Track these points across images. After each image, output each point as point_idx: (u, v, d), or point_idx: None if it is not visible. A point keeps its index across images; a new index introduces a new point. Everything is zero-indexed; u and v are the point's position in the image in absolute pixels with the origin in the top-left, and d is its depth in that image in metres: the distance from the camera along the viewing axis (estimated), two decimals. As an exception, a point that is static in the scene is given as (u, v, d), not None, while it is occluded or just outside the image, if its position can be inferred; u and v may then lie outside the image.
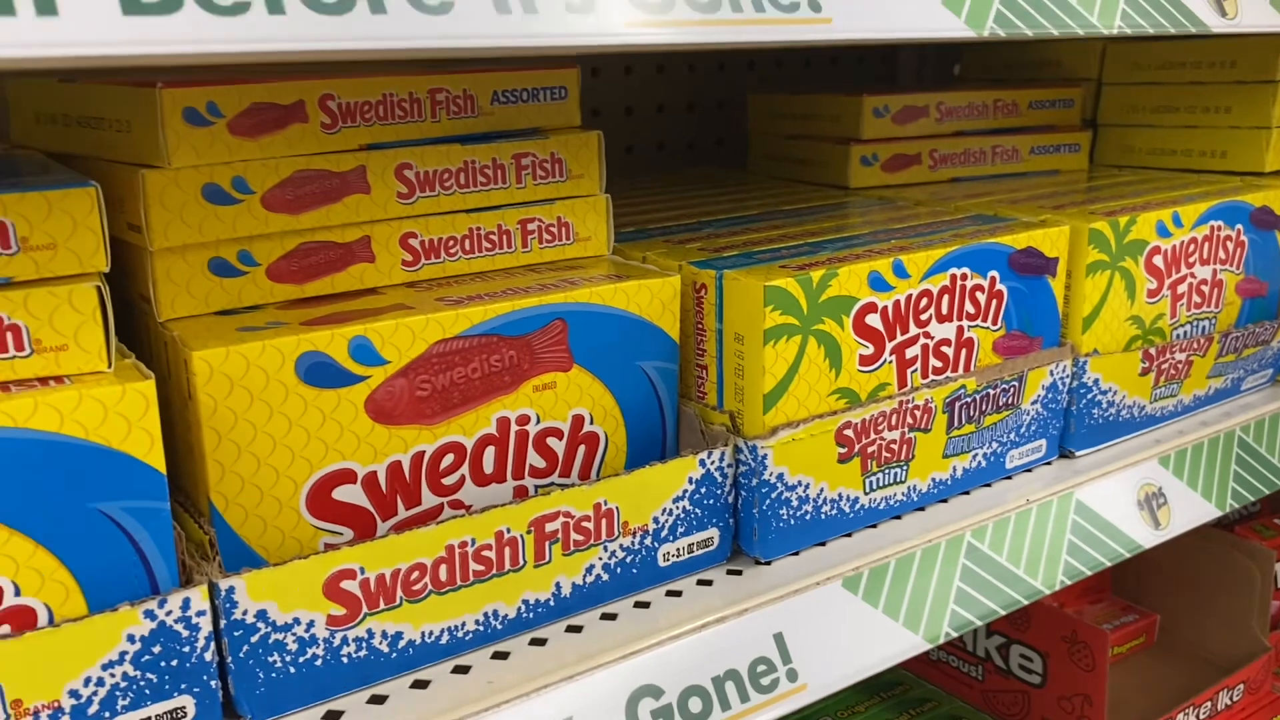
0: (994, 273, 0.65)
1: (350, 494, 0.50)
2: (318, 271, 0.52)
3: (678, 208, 0.77)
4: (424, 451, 0.51)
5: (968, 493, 0.67)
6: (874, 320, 0.60)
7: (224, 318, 0.49)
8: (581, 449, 0.56)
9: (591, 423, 0.56)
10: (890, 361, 0.61)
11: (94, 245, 0.42)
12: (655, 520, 0.55)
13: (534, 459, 0.55)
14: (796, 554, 0.59)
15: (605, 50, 0.41)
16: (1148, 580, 1.03)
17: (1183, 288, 0.77)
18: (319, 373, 0.47)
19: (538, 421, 0.54)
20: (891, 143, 0.84)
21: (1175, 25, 0.61)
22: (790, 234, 0.67)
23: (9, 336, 0.40)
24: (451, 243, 0.56)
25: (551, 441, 0.55)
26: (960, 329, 0.64)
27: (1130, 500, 0.72)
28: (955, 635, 0.61)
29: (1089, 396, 0.71)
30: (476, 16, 0.38)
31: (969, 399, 0.64)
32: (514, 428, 0.54)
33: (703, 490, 0.56)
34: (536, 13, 0.39)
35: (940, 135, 0.87)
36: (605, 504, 0.53)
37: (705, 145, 1.07)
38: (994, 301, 0.65)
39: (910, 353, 0.62)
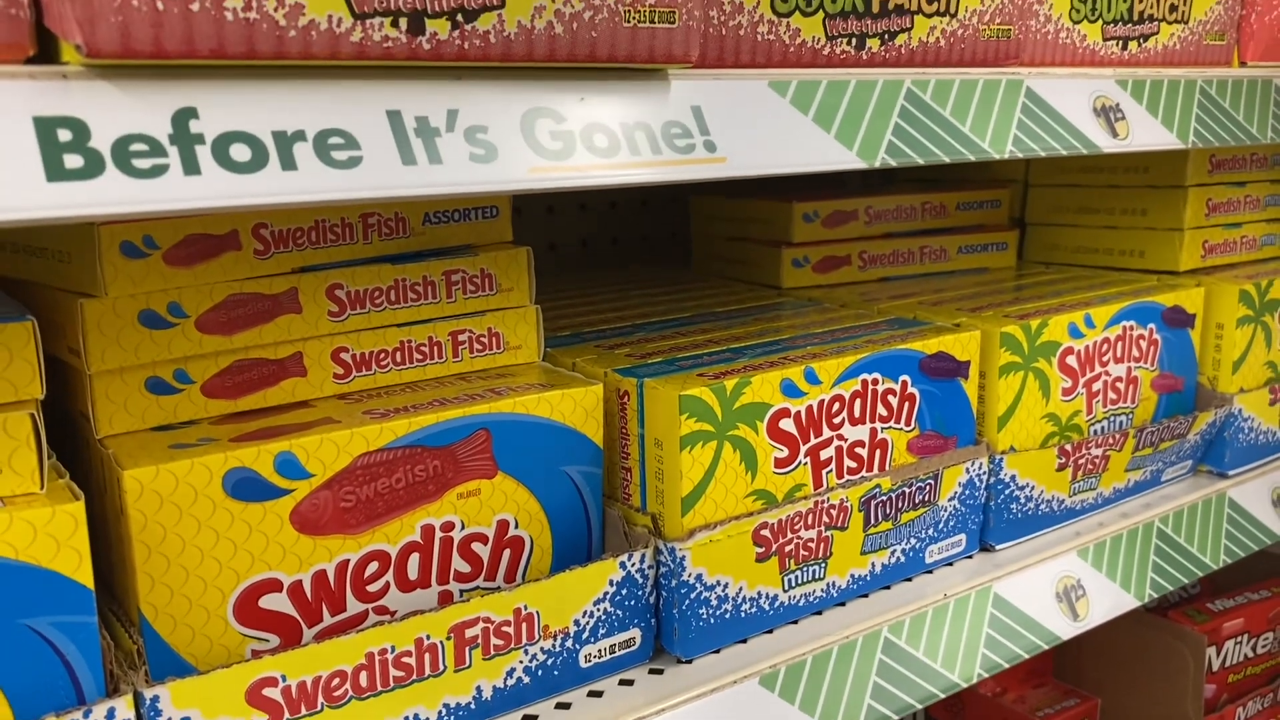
0: (905, 376, 0.68)
1: (276, 602, 0.52)
2: (250, 387, 0.55)
3: (616, 309, 0.80)
4: (349, 560, 0.54)
5: (888, 587, 0.70)
6: (788, 425, 0.63)
7: (158, 434, 0.52)
8: (507, 553, 0.59)
9: (516, 527, 0.59)
10: (805, 463, 0.64)
11: (30, 375, 0.44)
12: (576, 623, 0.57)
13: (459, 564, 0.57)
14: (718, 651, 0.62)
15: (508, 192, 0.45)
16: (1088, 663, 1.05)
17: (1098, 385, 0.80)
18: (246, 487, 0.50)
19: (462, 528, 0.57)
20: (822, 245, 0.88)
21: (1067, 148, 0.65)
22: (717, 339, 0.70)
23: (-56, 463, 0.43)
24: (383, 355, 0.59)
25: (476, 546, 0.58)
26: (874, 431, 0.67)
27: (1049, 593, 0.74)
28: (872, 729, 0.64)
29: (1007, 492, 0.74)
30: (384, 169, 0.41)
31: (884, 497, 0.67)
32: (438, 534, 0.56)
33: (624, 592, 0.58)
34: (442, 163, 0.43)
35: (870, 237, 0.91)
36: (526, 608, 0.55)
37: (659, 238, 1.11)
38: (906, 404, 0.69)
39: (825, 454, 0.65)
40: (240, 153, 0.39)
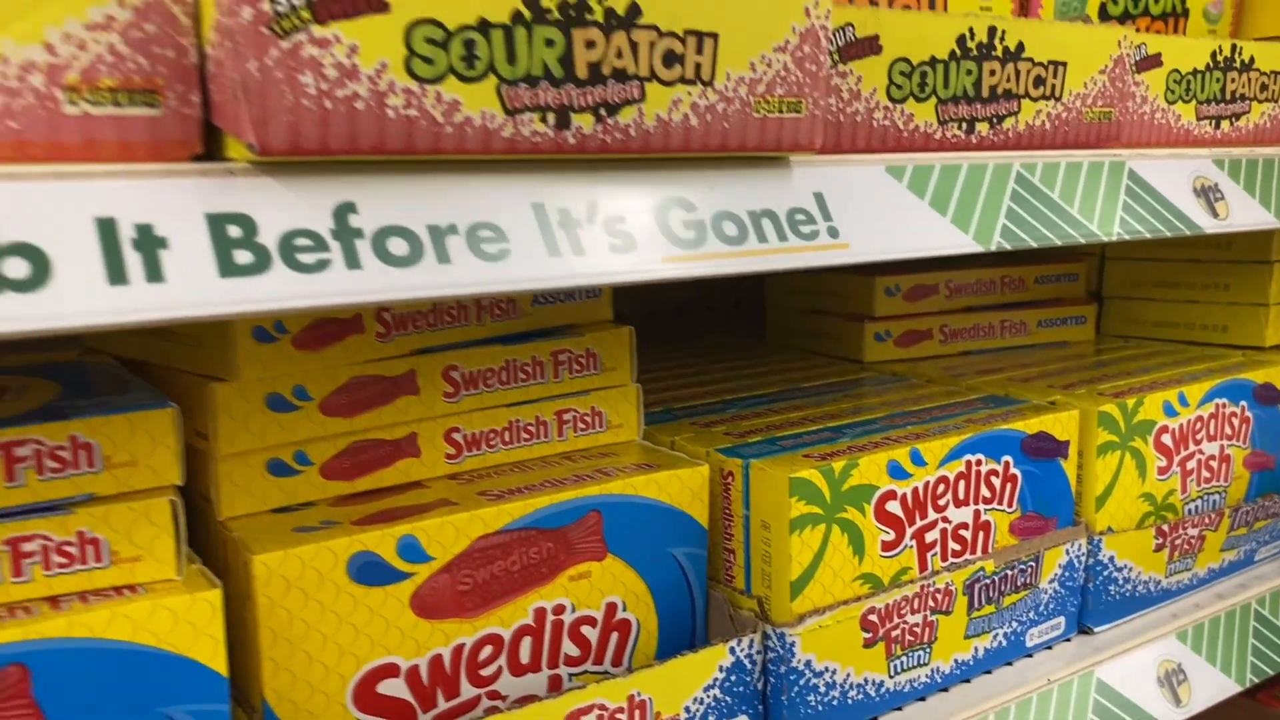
0: (1008, 457, 0.67)
1: (394, 688, 0.52)
2: (367, 468, 0.55)
3: (702, 383, 0.80)
4: (464, 644, 0.53)
5: (990, 672, 0.68)
6: (894, 507, 0.62)
7: (279, 516, 0.52)
8: (615, 636, 0.58)
9: (624, 610, 0.58)
10: (911, 546, 0.63)
11: (170, 461, 0.45)
12: (687, 710, 0.56)
13: (569, 647, 0.57)
14: (823, 738, 0.60)
15: (643, 282, 0.45)
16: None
17: (1192, 464, 0.79)
18: (369, 571, 0.50)
19: (573, 610, 0.56)
20: (904, 319, 0.88)
21: (1171, 229, 0.65)
22: (811, 415, 0.70)
23: (89, 550, 0.43)
24: (492, 435, 0.59)
25: (586, 630, 0.57)
26: (977, 512, 0.66)
27: (1151, 677, 0.72)
28: (982, 821, 0.62)
29: (1105, 574, 0.73)
30: (531, 261, 0.42)
31: (988, 580, 0.66)
32: (550, 617, 0.56)
33: (733, 678, 0.58)
34: (584, 254, 0.43)
35: (951, 311, 0.90)
36: (639, 695, 0.54)
37: (723, 307, 1.12)
38: (1009, 485, 0.68)
39: (930, 537, 0.64)
40: (398, 247, 0.39)
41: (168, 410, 0.44)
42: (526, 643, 0.55)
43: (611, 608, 0.58)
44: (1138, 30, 0.76)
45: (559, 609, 0.56)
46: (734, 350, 0.95)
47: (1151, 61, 0.68)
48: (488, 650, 0.54)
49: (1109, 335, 1.00)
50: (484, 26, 0.39)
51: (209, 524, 0.52)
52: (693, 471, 0.59)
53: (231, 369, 0.49)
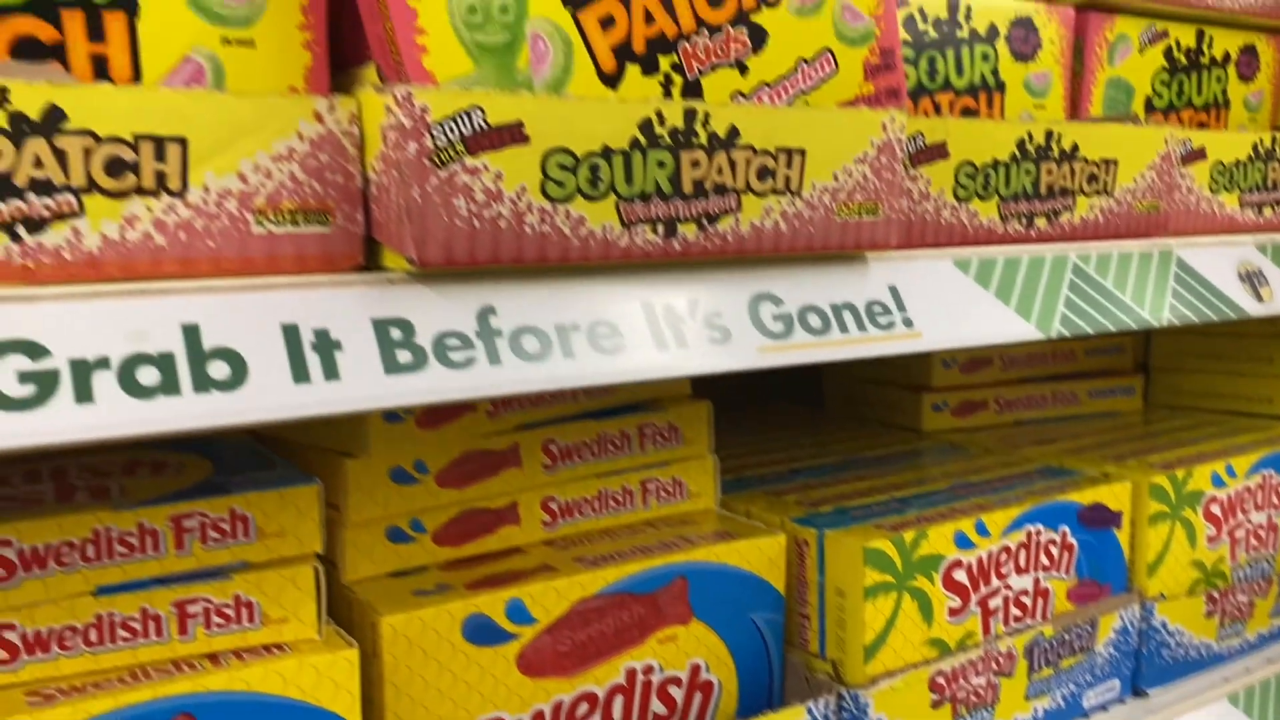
0: (1065, 527, 0.71)
1: (501, 740, 0.56)
2: (473, 535, 0.60)
3: (769, 452, 0.85)
4: (562, 702, 0.57)
5: (1049, 733, 0.71)
6: (960, 575, 0.66)
7: (397, 579, 0.57)
8: (698, 696, 0.62)
9: (707, 671, 0.62)
10: (976, 612, 0.67)
11: (313, 531, 0.50)
12: (767, 764, 0.60)
13: (657, 706, 0.61)
14: (893, 795, 0.64)
15: (739, 371, 0.50)
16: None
17: (1240, 533, 0.82)
18: (481, 632, 0.55)
19: (660, 671, 0.61)
20: (960, 390, 0.92)
21: (1218, 314, 0.69)
22: (877, 486, 0.74)
23: (244, 612, 0.48)
24: (584, 503, 0.64)
25: (672, 689, 0.61)
26: (1037, 580, 0.70)
27: (1205, 740, 0.75)
28: None
29: (1158, 638, 0.76)
30: (642, 354, 0.47)
31: (1047, 644, 0.70)
32: (640, 678, 0.60)
33: (809, 735, 0.61)
34: (687, 347, 0.48)
35: (1005, 382, 0.95)
36: (724, 750, 0.58)
37: (776, 372, 1.16)
38: (1066, 553, 0.72)
39: (993, 603, 0.68)
40: (530, 344, 0.44)
41: (313, 486, 0.50)
42: (619, 701, 0.59)
43: (696, 669, 0.62)
44: (1182, 122, 0.81)
45: (648, 669, 0.60)
46: (795, 417, 0.99)
47: (1196, 155, 0.73)
48: (584, 707, 0.58)
49: (1157, 405, 1.03)
50: (606, 153, 0.45)
51: (333, 586, 0.57)
52: (771, 540, 0.64)
53: (363, 446, 0.55)
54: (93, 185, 0.38)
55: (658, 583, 0.60)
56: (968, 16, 0.69)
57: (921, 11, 0.67)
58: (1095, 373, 1.00)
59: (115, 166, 0.38)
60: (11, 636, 0.44)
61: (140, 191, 0.39)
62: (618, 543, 0.63)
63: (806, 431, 0.93)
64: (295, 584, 0.49)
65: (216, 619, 0.47)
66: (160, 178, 0.39)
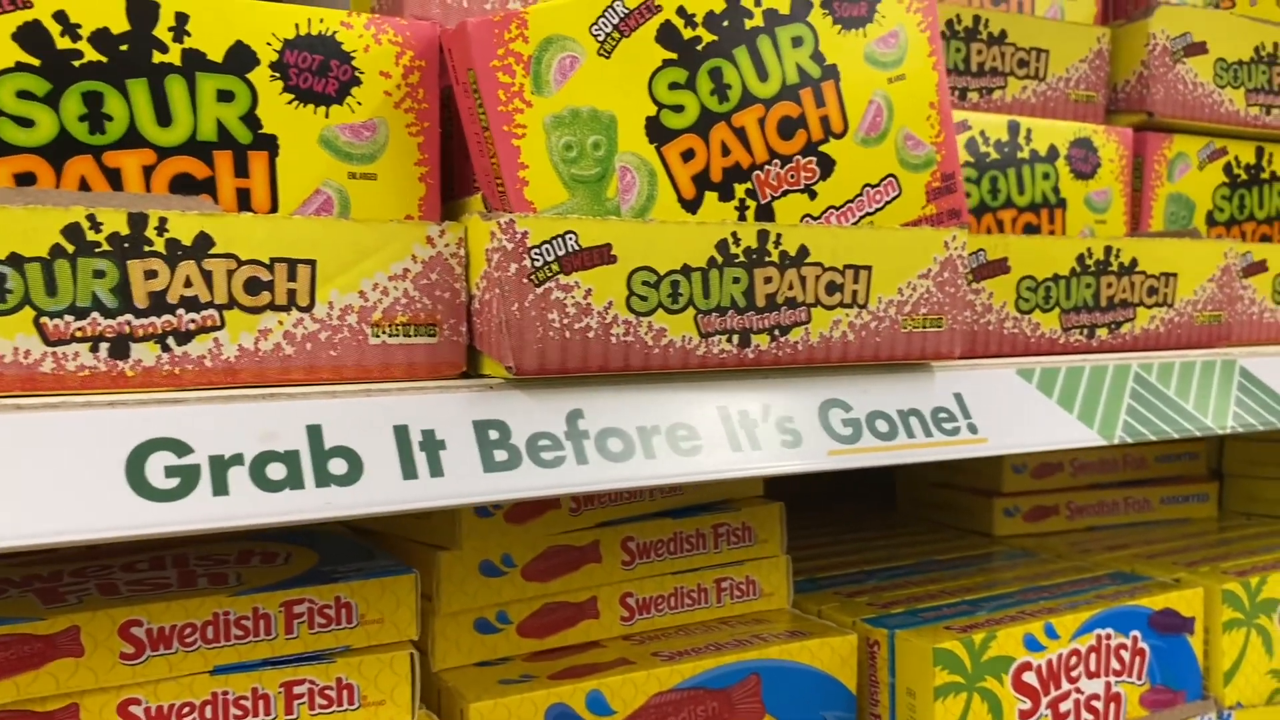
0: (1136, 632, 0.72)
1: (579, 828, 0.58)
2: (555, 628, 0.63)
3: (840, 554, 0.87)
4: (640, 791, 0.59)
5: (1127, 844, 0.71)
6: (1030, 678, 0.67)
7: (483, 669, 0.60)
8: (771, 791, 0.64)
9: (780, 767, 0.64)
10: (1046, 715, 0.68)
11: (409, 619, 0.53)
12: None
13: (730, 799, 0.62)
14: None
15: (805, 472, 0.53)
16: None
17: (1321, 643, 0.81)
18: (562, 721, 0.57)
19: (734, 765, 0.62)
20: (1031, 495, 0.94)
21: (1283, 421, 0.70)
22: (948, 589, 0.75)
23: (345, 693, 0.51)
24: (660, 600, 0.67)
25: (745, 783, 0.63)
26: (1108, 685, 0.70)
27: None
28: None
29: (1239, 750, 0.75)
30: (718, 454, 0.50)
31: (1122, 751, 0.70)
32: (715, 771, 0.62)
33: (881, 835, 0.62)
34: (760, 449, 0.51)
35: (1076, 488, 0.96)
36: (796, 846, 0.60)
37: (851, 475, 1.18)
38: (1138, 658, 0.72)
39: (1064, 707, 0.68)
40: (615, 445, 0.48)
41: (410, 576, 0.53)
42: (693, 794, 0.61)
43: (768, 764, 0.64)
44: (1245, 235, 0.83)
45: (722, 763, 0.62)
46: (865, 520, 1.01)
47: (1258, 267, 0.75)
48: (660, 799, 0.60)
49: (1232, 512, 1.03)
50: (686, 270, 0.49)
51: (423, 673, 0.60)
52: (843, 640, 0.66)
53: (456, 540, 0.58)
54: (233, 302, 0.43)
55: (732, 679, 0.62)
56: (1028, 138, 0.73)
57: (984, 134, 0.71)
58: (1168, 479, 1.01)
59: (253, 285, 0.43)
60: (137, 711, 0.48)
61: (273, 307, 0.44)
62: (693, 639, 0.65)
63: (878, 534, 0.94)
64: (393, 668, 0.52)
65: (320, 699, 0.51)
66: (291, 295, 0.44)
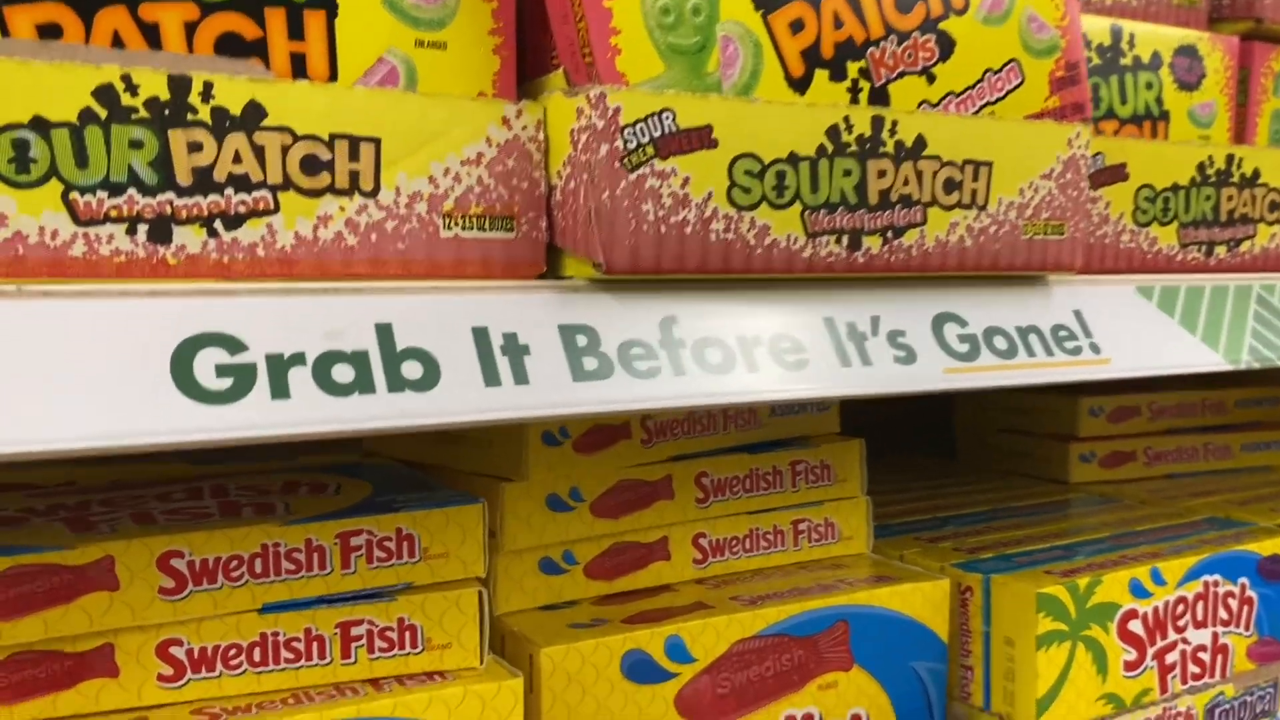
0: (1244, 579, 0.66)
1: (657, 786, 0.53)
2: (625, 569, 0.58)
3: (909, 501, 0.81)
4: (721, 746, 0.54)
5: (1232, 805, 0.66)
6: (1136, 626, 0.62)
7: (550, 613, 0.55)
8: (858, 747, 0.59)
9: (868, 721, 0.59)
10: (1152, 667, 0.62)
11: (477, 554, 0.48)
12: (937, 824, 0.56)
13: (814, 756, 0.57)
14: None
15: (924, 393, 0.47)
16: None
17: None
18: (639, 669, 0.52)
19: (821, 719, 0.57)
20: (1109, 440, 0.88)
21: None
22: (1033, 534, 0.70)
23: (407, 635, 0.46)
24: (735, 542, 0.62)
25: (831, 739, 0.58)
26: (1215, 635, 0.65)
27: (1404, 821, 0.69)
28: None
29: (1347, 706, 0.70)
30: (825, 371, 0.44)
31: (1228, 705, 0.65)
32: (799, 724, 0.57)
33: (979, 795, 0.57)
34: (871, 365, 0.46)
35: (1154, 433, 0.90)
36: (892, 806, 0.55)
37: (896, 421, 1.12)
38: (1245, 608, 0.67)
39: (1170, 658, 0.63)
40: (714, 356, 0.42)
41: (478, 506, 0.48)
42: (777, 749, 0.56)
43: (856, 719, 0.58)
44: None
45: (808, 718, 0.57)
46: (926, 470, 0.95)
47: (1377, 186, 0.69)
48: (742, 754, 0.55)
49: (1316, 461, 0.97)
50: (793, 159, 0.43)
51: (482, 619, 0.55)
52: (934, 585, 0.60)
53: (522, 470, 0.53)
54: (289, 183, 0.37)
55: (819, 626, 0.57)
56: (1131, 44, 0.67)
57: (1085, 38, 0.65)
58: (1249, 425, 0.95)
59: (311, 164, 0.38)
60: (178, 653, 0.43)
61: (334, 191, 0.38)
62: (771, 583, 0.60)
63: (945, 483, 0.89)
64: (459, 608, 0.47)
65: (380, 642, 0.46)
66: (354, 177, 0.38)
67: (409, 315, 0.38)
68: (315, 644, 0.45)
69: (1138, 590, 0.62)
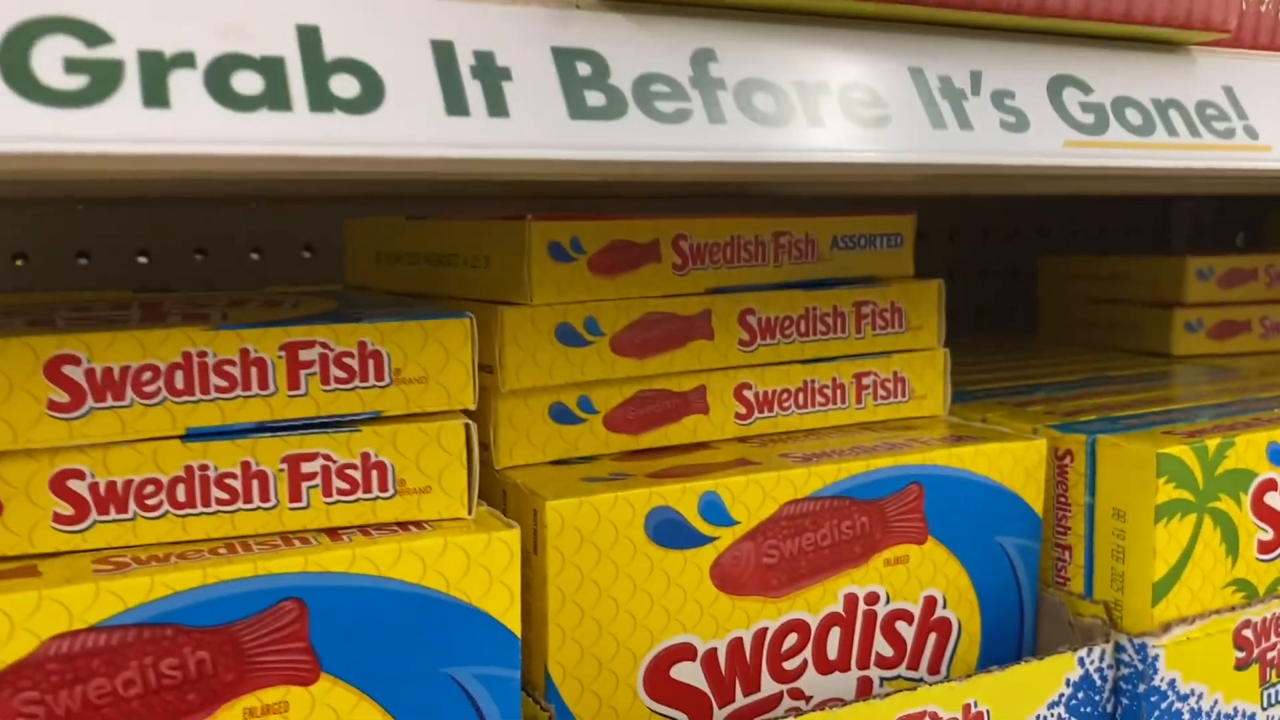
0: (1403, 451, 0.55)
1: (689, 673, 0.44)
2: (653, 421, 0.48)
3: (995, 371, 0.70)
4: (766, 628, 0.45)
5: (1376, 716, 0.55)
6: (1274, 500, 0.51)
7: (562, 467, 0.45)
8: (932, 637, 0.49)
9: (944, 606, 0.49)
10: (1291, 551, 0.52)
11: (464, 380, 0.38)
12: (1029, 727, 0.46)
13: (881, 645, 0.48)
14: (1183, 780, 0.49)
15: (1039, 171, 0.36)
16: None
17: None
18: (668, 531, 0.42)
19: (887, 601, 0.48)
20: (1219, 307, 0.76)
21: None
22: (1140, 399, 0.59)
23: (374, 475, 0.37)
24: (785, 396, 0.51)
25: (901, 626, 0.48)
26: (1367, 516, 0.54)
27: None
28: None
29: None
30: (914, 131, 0.34)
31: (1379, 601, 0.54)
32: (862, 607, 0.47)
33: (1080, 696, 0.47)
34: (972, 129, 0.35)
35: (1272, 300, 0.78)
36: (975, 705, 0.45)
37: (996, 312, 1.01)
38: (1404, 485, 0.55)
39: (1312, 541, 0.52)
40: (764, 103, 0.32)
41: (464, 320, 0.38)
42: (835, 634, 0.47)
43: (930, 602, 0.49)
44: None
45: (872, 598, 0.47)
46: (1003, 347, 0.84)
47: None
48: (792, 639, 0.46)
49: None
50: None
51: (483, 476, 0.46)
52: (1028, 446, 0.50)
53: (525, 289, 0.43)
54: None
55: (887, 489, 0.47)
56: None
57: None
58: (1382, 296, 0.82)
59: None
60: (78, 487, 0.34)
61: None
62: (829, 442, 0.50)
63: (1027, 357, 0.78)
64: (440, 444, 0.38)
65: (338, 482, 0.36)
66: None
67: (343, 17, 0.28)
68: (255, 481, 0.35)
69: (1277, 457, 0.51)
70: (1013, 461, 0.50)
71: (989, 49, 0.37)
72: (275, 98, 0.26)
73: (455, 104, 0.28)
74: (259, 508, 0.36)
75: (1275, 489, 0.51)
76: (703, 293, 0.48)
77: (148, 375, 0.34)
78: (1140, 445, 0.48)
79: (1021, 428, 0.53)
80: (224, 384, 0.35)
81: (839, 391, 0.53)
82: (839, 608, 0.46)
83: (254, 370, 0.35)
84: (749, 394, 0.50)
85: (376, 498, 0.37)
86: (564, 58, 0.30)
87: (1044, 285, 0.87)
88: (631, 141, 0.30)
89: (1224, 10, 0.40)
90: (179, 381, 0.34)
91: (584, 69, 0.30)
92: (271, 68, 0.26)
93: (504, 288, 0.44)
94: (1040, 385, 0.64)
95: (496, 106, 0.28)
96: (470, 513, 0.38)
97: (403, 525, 0.37)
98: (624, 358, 0.46)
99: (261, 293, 0.45)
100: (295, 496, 0.36)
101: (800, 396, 0.52)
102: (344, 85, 0.27)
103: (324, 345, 0.36)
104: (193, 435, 0.35)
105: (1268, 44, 0.45)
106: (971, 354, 0.80)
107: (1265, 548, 0.51)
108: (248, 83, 0.26)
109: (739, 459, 0.47)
